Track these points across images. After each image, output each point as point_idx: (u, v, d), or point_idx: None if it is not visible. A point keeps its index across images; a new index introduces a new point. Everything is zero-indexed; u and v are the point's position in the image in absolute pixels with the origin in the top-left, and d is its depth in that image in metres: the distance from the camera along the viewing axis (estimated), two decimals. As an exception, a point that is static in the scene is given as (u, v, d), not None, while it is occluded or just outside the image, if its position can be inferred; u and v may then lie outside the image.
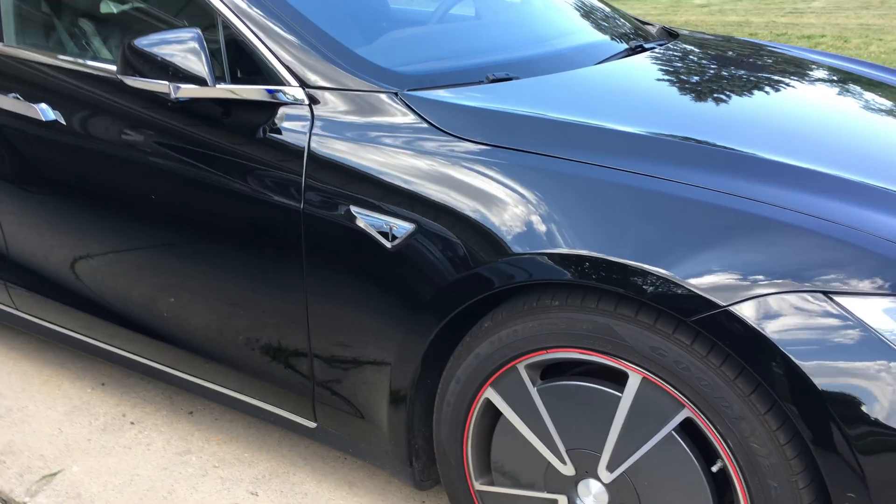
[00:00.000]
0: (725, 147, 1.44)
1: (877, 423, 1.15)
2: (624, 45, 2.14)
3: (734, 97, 1.85)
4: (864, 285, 1.17)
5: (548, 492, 1.47)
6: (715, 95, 1.84)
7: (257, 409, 1.88)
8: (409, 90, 1.60)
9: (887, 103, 1.97)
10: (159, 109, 1.77)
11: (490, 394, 1.48)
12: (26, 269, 2.21)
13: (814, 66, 2.27)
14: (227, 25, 1.71)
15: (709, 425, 1.27)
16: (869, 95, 2.05)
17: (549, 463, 1.45)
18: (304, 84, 1.64)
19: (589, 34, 2.31)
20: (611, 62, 1.99)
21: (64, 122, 1.94)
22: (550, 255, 1.33)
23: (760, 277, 1.20)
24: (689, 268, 1.23)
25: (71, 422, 2.22)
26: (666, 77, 1.99)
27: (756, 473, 1.24)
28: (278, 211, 1.61)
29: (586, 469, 1.41)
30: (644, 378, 1.31)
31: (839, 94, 2.07)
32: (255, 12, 1.69)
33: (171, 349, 1.98)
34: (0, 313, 2.39)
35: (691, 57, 2.19)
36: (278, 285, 1.67)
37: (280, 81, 1.65)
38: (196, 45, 1.61)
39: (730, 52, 2.36)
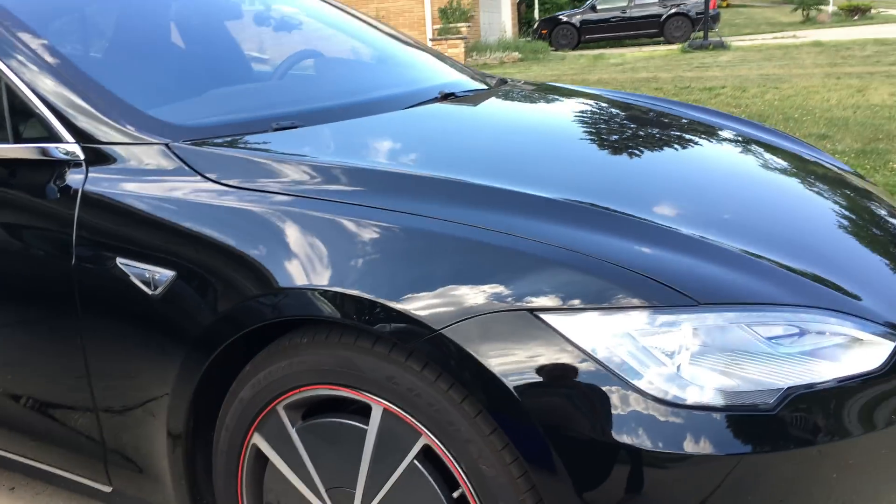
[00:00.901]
0: (464, 181, 1.48)
1: (574, 432, 1.17)
2: (436, 93, 2.21)
3: (507, 136, 1.93)
4: (567, 302, 1.21)
5: (315, 534, 1.44)
6: (487, 135, 1.91)
7: (56, 476, 1.82)
8: (185, 141, 1.63)
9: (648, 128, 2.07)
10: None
11: (256, 439, 1.47)
12: None
13: (585, 103, 2.39)
14: (7, 87, 1.73)
15: (444, 451, 1.27)
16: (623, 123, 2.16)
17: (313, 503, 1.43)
18: (81, 139, 1.65)
19: (414, 83, 2.38)
20: (416, 108, 2.06)
21: None
22: (293, 291, 1.35)
23: (472, 300, 1.23)
24: (409, 295, 1.25)
25: None
26: (448, 118, 2.06)
27: (488, 495, 1.24)
28: (53, 268, 1.60)
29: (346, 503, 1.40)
30: (385, 409, 1.31)
31: (586, 120, 2.18)
32: (32, 72, 1.71)
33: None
34: None
35: (488, 103, 2.28)
36: (58, 343, 1.64)
37: (58, 138, 1.66)
38: (-34, 107, 1.61)
39: (527, 99, 2.47)
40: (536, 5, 24.66)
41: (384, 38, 2.77)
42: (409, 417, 1.29)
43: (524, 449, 1.21)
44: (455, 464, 1.27)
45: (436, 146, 1.79)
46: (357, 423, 1.35)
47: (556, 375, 1.18)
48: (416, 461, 1.31)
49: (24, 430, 1.83)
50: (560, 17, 20.50)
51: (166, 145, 1.61)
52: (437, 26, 16.03)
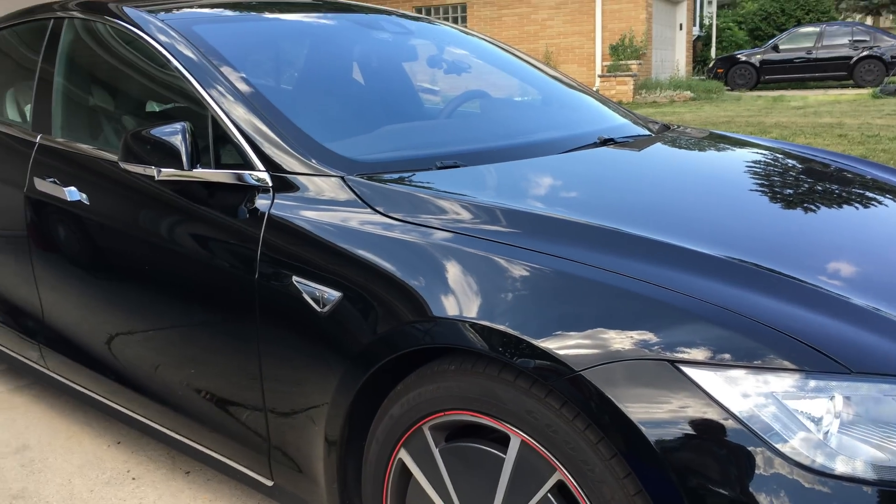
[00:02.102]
0: (619, 230, 1.52)
1: (710, 487, 1.17)
2: (595, 138, 2.27)
3: (667, 185, 1.93)
4: (703, 354, 1.22)
5: (449, 551, 1.52)
6: (646, 183, 1.93)
7: (225, 465, 2.02)
8: (358, 175, 1.79)
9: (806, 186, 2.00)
10: (161, 190, 2.02)
11: (403, 454, 1.58)
12: (58, 334, 2.48)
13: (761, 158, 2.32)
14: (215, 118, 1.97)
15: (577, 489, 1.32)
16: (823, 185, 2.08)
17: (450, 523, 1.51)
18: (270, 168, 1.85)
19: (574, 127, 2.45)
20: (574, 152, 2.12)
21: (87, 202, 2.23)
22: (445, 321, 1.44)
23: (614, 346, 1.27)
24: (553, 335, 1.32)
25: (81, 474, 2.42)
26: (606, 164, 2.09)
27: (619, 538, 1.27)
28: (238, 280, 1.80)
29: (479, 529, 1.47)
30: (522, 441, 1.38)
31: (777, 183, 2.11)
32: (234, 106, 1.94)
33: (164, 410, 2.16)
34: (34, 372, 2.66)
35: (648, 150, 2.30)
36: (238, 346, 1.84)
37: (252, 166, 1.88)
38: (179, 136, 1.85)
39: (693, 146, 2.45)
40: (714, 44, 23.97)
41: (548, 80, 2.86)
42: (546, 452, 1.35)
43: (658, 498, 1.23)
44: (587, 502, 1.31)
45: (591, 192, 1.85)
46: (496, 451, 1.43)
47: (695, 430, 1.20)
48: (549, 494, 1.36)
49: (201, 419, 2.04)
50: (738, 56, 19.79)
51: (342, 178, 1.77)
52: (607, 63, 15.97)
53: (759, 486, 1.17)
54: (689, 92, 15.47)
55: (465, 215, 1.60)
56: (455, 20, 17.90)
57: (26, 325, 2.60)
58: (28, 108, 2.79)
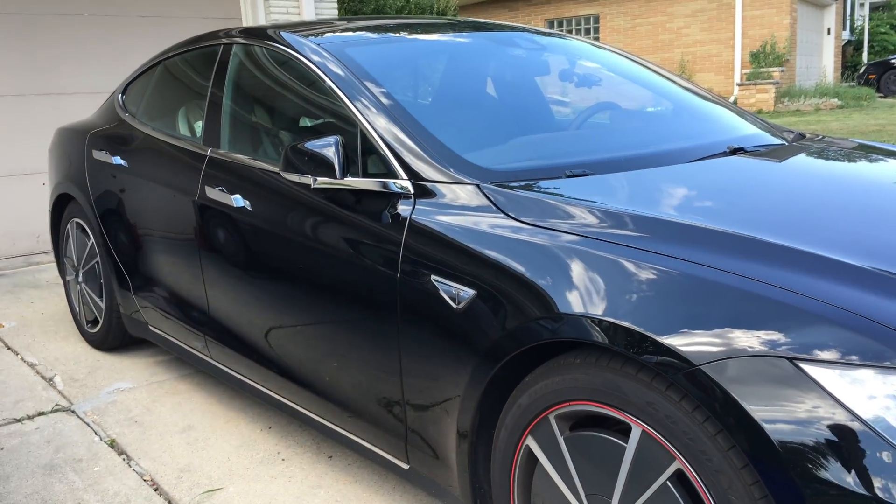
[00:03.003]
0: (741, 234, 1.58)
1: (830, 484, 1.22)
2: (724, 147, 2.30)
3: (796, 192, 1.95)
4: (827, 354, 1.27)
5: (571, 534, 1.63)
6: (775, 191, 1.95)
7: (365, 448, 2.21)
8: (491, 182, 1.93)
9: None
10: (313, 197, 2.24)
11: (529, 441, 1.70)
12: (221, 326, 2.76)
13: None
14: (363, 131, 2.17)
15: (696, 477, 1.39)
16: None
17: (572, 505, 1.61)
18: (411, 176, 2.02)
19: (703, 137, 2.49)
20: (703, 161, 2.18)
21: (250, 208, 2.49)
22: (571, 317, 1.55)
23: (734, 343, 1.34)
24: (674, 332, 1.40)
25: (238, 454, 2.69)
26: (734, 173, 2.12)
27: (735, 526, 1.33)
28: (381, 279, 1.98)
29: (601, 512, 1.56)
30: (643, 431, 1.46)
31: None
32: (380, 120, 2.14)
33: (312, 396, 2.38)
34: (200, 361, 2.97)
35: (779, 159, 2.30)
36: (382, 341, 2.01)
37: (395, 174, 2.06)
38: (332, 148, 2.06)
39: (828, 155, 2.42)
40: (865, 48, 22.60)
41: (678, 91, 2.90)
42: (666, 442, 1.43)
43: (775, 490, 1.28)
44: (705, 491, 1.38)
45: (718, 199, 1.89)
46: (618, 441, 1.52)
47: (814, 428, 1.25)
48: (668, 482, 1.44)
49: (345, 406, 2.24)
50: (892, 60, 18.59)
51: (478, 185, 1.92)
52: (747, 71, 15.43)
53: (882, 486, 1.21)
54: (836, 99, 14.68)
55: (592, 220, 1.70)
56: (587, 31, 17.82)
57: (194, 318, 2.91)
58: (197, 125, 3.13)
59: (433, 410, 1.92)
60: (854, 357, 1.27)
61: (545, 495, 1.69)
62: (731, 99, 15.56)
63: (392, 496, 2.38)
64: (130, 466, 2.63)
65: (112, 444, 2.79)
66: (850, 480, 1.22)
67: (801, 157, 2.37)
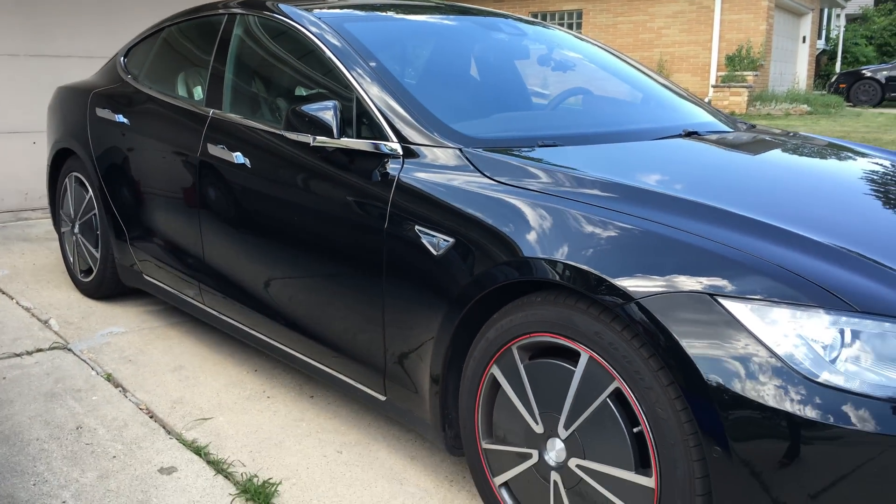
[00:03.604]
0: (685, 197, 1.86)
1: (738, 395, 1.50)
2: (681, 130, 2.58)
3: (734, 167, 2.24)
4: (740, 290, 1.55)
5: (527, 447, 1.90)
6: (718, 166, 2.24)
7: (346, 384, 2.46)
8: (472, 147, 2.19)
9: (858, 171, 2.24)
10: (309, 157, 2.48)
11: (494, 370, 1.96)
12: (215, 273, 2.99)
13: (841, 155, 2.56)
14: (358, 98, 2.41)
15: (630, 394, 1.66)
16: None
17: (528, 424, 1.88)
18: (401, 140, 2.27)
19: (663, 121, 2.77)
20: (660, 141, 2.45)
21: (249, 165, 2.72)
22: (540, 260, 1.82)
23: (669, 284, 1.61)
24: (621, 274, 1.67)
25: (227, 391, 2.93)
26: (685, 150, 2.41)
27: (660, 434, 1.61)
28: (371, 231, 2.23)
29: (551, 428, 1.83)
30: (590, 356, 1.74)
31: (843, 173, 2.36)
32: (374, 89, 2.38)
33: (300, 338, 2.62)
34: (193, 307, 3.20)
35: (725, 141, 2.59)
36: (368, 287, 2.27)
37: (386, 138, 2.30)
38: (331, 112, 2.30)
39: (767, 140, 2.72)
40: (839, 58, 23.17)
41: (647, 82, 3.18)
42: (608, 365, 1.70)
43: (693, 402, 1.56)
44: (638, 405, 1.65)
45: (669, 170, 2.17)
46: (568, 366, 1.79)
47: (726, 350, 1.53)
48: (608, 399, 1.71)
49: (329, 345, 2.49)
50: (863, 71, 19.12)
51: (459, 149, 2.18)
52: (722, 73, 15.83)
53: (775, 395, 1.48)
54: (805, 105, 15.14)
55: (555, 180, 1.97)
56: (570, 26, 18.11)
57: (189, 267, 3.14)
58: (196, 90, 3.34)
59: (412, 350, 2.17)
60: (757, 294, 1.54)
61: (505, 416, 1.96)
62: (706, 100, 15.96)
63: (368, 430, 2.64)
64: (126, 397, 2.86)
65: (108, 378, 3.02)
66: (750, 390, 1.50)
67: (745, 140, 2.66)
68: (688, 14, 16.42)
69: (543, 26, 3.41)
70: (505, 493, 1.99)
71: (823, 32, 24.36)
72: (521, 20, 3.31)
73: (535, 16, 18.42)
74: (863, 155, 2.66)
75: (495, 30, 3.12)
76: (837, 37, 23.74)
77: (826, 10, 23.74)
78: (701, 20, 16.32)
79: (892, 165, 2.54)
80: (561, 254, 1.78)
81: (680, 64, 16.66)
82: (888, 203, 2.15)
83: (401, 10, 3.25)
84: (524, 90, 2.93)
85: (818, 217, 1.87)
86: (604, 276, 1.69)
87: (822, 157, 2.58)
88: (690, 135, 2.57)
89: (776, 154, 2.55)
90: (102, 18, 5.99)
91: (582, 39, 3.44)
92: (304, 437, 2.59)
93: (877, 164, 2.55)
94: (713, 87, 15.64)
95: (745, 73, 15.30)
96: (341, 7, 3.11)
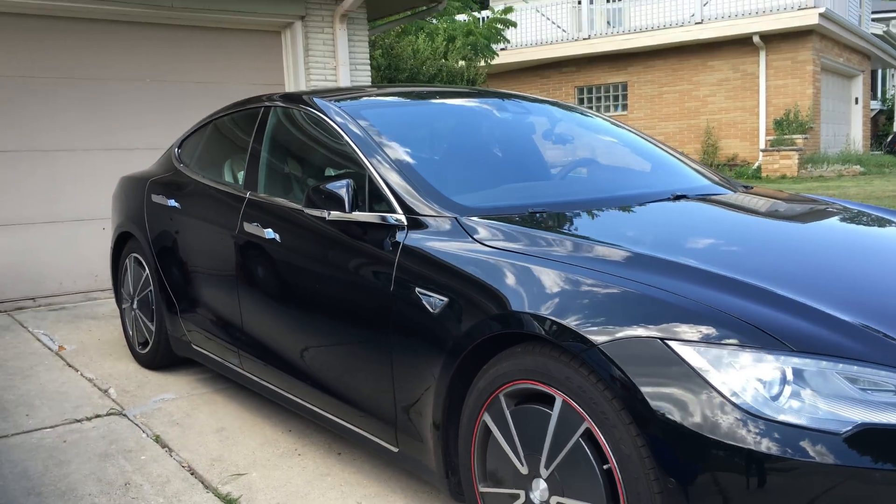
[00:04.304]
0: (650, 255, 2.05)
1: (685, 429, 1.66)
2: (669, 195, 2.78)
3: (710, 226, 2.42)
4: (688, 335, 1.72)
5: (515, 488, 2.06)
6: (693, 226, 2.42)
7: (366, 438, 2.67)
8: (467, 216, 2.43)
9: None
10: (329, 230, 2.76)
11: (485, 417, 2.15)
12: (252, 341, 3.27)
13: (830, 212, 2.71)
14: (370, 177, 2.70)
15: (598, 433, 1.83)
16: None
17: (515, 466, 2.05)
18: (406, 212, 2.53)
19: (658, 186, 2.98)
20: (648, 205, 2.65)
21: (279, 240, 3.02)
22: (517, 313, 2.02)
23: (626, 330, 1.79)
24: (584, 324, 1.86)
25: (262, 449, 3.16)
26: (667, 213, 2.59)
27: (625, 469, 1.77)
28: (379, 292, 2.47)
29: (535, 469, 2.00)
30: (563, 400, 1.91)
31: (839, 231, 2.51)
32: (382, 167, 2.66)
33: (325, 397, 2.85)
34: (235, 373, 3.48)
35: (709, 203, 2.77)
36: (378, 344, 2.49)
37: (393, 210, 2.57)
38: (344, 189, 2.59)
39: (754, 204, 2.89)
40: (896, 117, 22.90)
41: (646, 150, 3.40)
42: (578, 407, 1.87)
43: (648, 437, 1.72)
44: (605, 443, 1.82)
45: (642, 230, 2.37)
46: (546, 409, 1.97)
47: (675, 389, 1.69)
48: (580, 439, 1.88)
49: (349, 402, 2.70)
50: (920, 129, 18.85)
51: (455, 218, 2.42)
52: (771, 137, 15.86)
53: (716, 427, 1.63)
54: (858, 166, 15.00)
55: (536, 243, 2.19)
56: (616, 98, 18.48)
57: (230, 336, 3.42)
58: (240, 174, 3.70)
59: (416, 401, 2.38)
60: (704, 337, 1.71)
61: (496, 459, 2.13)
62: (756, 165, 15.97)
63: (388, 483, 2.83)
64: (171, 456, 3.12)
65: (157, 440, 3.29)
66: (694, 421, 1.65)
67: (730, 201, 2.83)
68: (732, 81, 16.62)
69: (546, 102, 3.68)
70: (500, 533, 2.15)
71: (879, 93, 24.17)
72: (525, 98, 3.59)
73: (580, 90, 18.87)
74: (853, 212, 2.80)
75: (500, 109, 3.41)
76: (894, 97, 23.50)
77: (880, 71, 23.61)
78: (746, 87, 16.48)
79: (874, 220, 2.68)
80: (534, 307, 1.99)
81: (728, 130, 16.77)
82: (849, 254, 2.29)
83: (418, 96, 3.58)
84: (525, 164, 3.18)
85: (775, 269, 2.04)
86: (571, 327, 1.88)
87: (804, 214, 2.73)
88: (679, 198, 2.77)
89: (753, 213, 2.71)
90: (163, 113, 6.56)
91: (584, 114, 3.70)
92: (328, 490, 2.79)
93: (863, 220, 2.69)
94: (762, 151, 15.67)
95: (794, 136, 15.31)
96: (368, 96, 3.45)
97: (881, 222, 2.71)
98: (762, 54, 16.06)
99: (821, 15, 15.19)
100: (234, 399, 3.77)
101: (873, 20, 22.51)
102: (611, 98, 18.55)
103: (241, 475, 2.93)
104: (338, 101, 3.21)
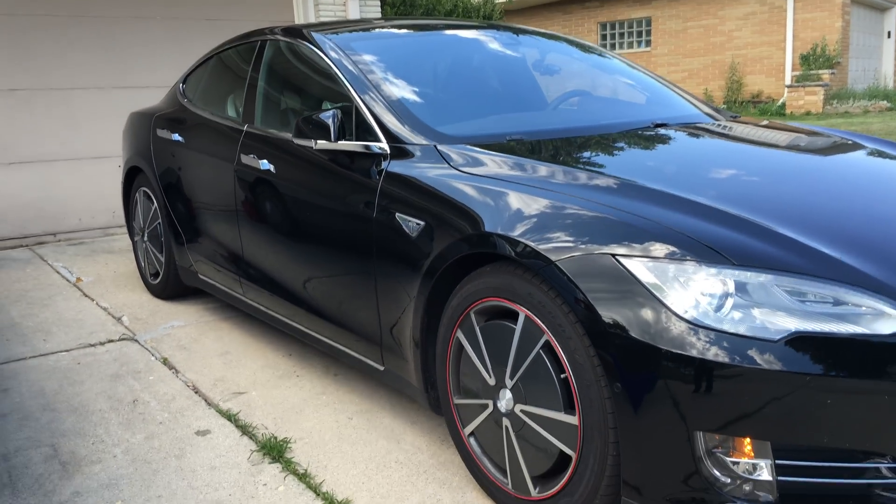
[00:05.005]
0: (614, 177, 2.12)
1: (630, 336, 1.76)
2: (650, 122, 2.83)
3: (682, 152, 2.47)
4: (636, 251, 1.81)
5: (484, 398, 2.19)
6: (663, 153, 2.48)
7: (351, 356, 2.81)
8: (444, 144, 2.50)
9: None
10: (320, 160, 2.85)
11: (458, 334, 2.26)
12: (253, 269, 3.41)
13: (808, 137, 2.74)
14: (357, 107, 2.77)
15: (556, 345, 1.94)
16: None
17: (484, 378, 2.18)
18: (389, 140, 2.61)
19: (642, 115, 3.02)
20: (627, 133, 2.71)
21: (274, 171, 3.12)
22: (486, 234, 2.12)
23: (581, 248, 1.88)
24: (546, 243, 1.95)
25: (262, 371, 3.33)
26: (638, 141, 2.65)
27: (580, 377, 1.88)
28: (363, 218, 2.58)
29: (501, 379, 2.12)
30: (526, 315, 2.02)
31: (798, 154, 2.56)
32: (367, 97, 2.73)
33: (319, 320, 2.98)
34: (238, 301, 3.63)
35: (688, 132, 2.81)
36: (364, 268, 2.61)
37: (377, 139, 2.65)
38: (331, 119, 2.67)
39: (735, 132, 2.93)
40: (931, 51, 22.16)
41: (638, 81, 3.42)
42: (539, 321, 1.98)
43: (598, 345, 1.82)
44: (561, 353, 1.92)
45: (614, 158, 2.43)
46: (511, 325, 2.08)
47: (622, 300, 1.79)
48: (540, 351, 1.99)
49: (342, 325, 2.84)
50: (955, 63, 18.31)
51: (434, 146, 2.50)
52: (797, 73, 15.53)
53: (660, 336, 1.72)
54: (885, 102, 14.67)
55: (507, 168, 2.27)
56: (640, 34, 18.12)
57: (232, 264, 3.56)
58: (240, 108, 3.78)
59: (398, 321, 2.50)
60: (658, 255, 1.80)
61: (468, 372, 2.25)
62: (781, 101, 15.68)
63: (379, 400, 2.98)
64: (177, 377, 3.30)
65: (164, 362, 3.47)
66: (642, 332, 1.75)
67: (707, 128, 2.87)
68: (759, 15, 16.20)
69: (537, 34, 3.70)
70: (473, 441, 2.29)
71: (915, 25, 23.36)
72: (513, 29, 3.61)
73: (603, 26, 18.52)
74: (837, 140, 2.83)
75: (494, 42, 3.44)
76: (929, 29, 22.72)
77: (916, 3, 22.77)
78: (773, 20, 16.06)
79: (857, 148, 2.70)
80: (502, 228, 2.08)
81: (753, 66, 16.43)
82: (815, 179, 2.34)
83: (414, 29, 3.61)
84: (513, 95, 3.23)
85: (733, 191, 2.10)
86: (533, 245, 1.97)
87: (779, 141, 2.77)
88: (659, 126, 2.81)
89: (727, 139, 2.75)
90: (175, 52, 6.63)
91: (577, 44, 3.71)
92: (321, 407, 2.95)
93: (843, 148, 2.72)
94: (787, 87, 15.37)
95: (820, 71, 14.97)
96: (365, 29, 3.49)
97: (864, 151, 2.74)
98: (790, -14, 15.63)
99: (852, -56, 14.68)
100: (239, 326, 3.94)
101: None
102: (634, 34, 18.20)
103: (241, 394, 3.10)
104: (334, 34, 3.27)
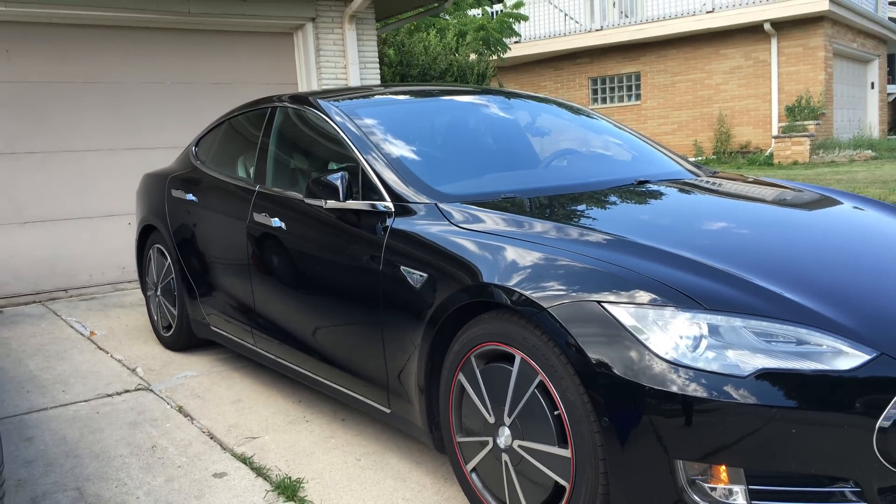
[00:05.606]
0: (600, 232, 2.35)
1: (614, 375, 1.96)
2: (633, 180, 3.07)
3: (661, 208, 2.70)
4: (620, 298, 2.02)
5: (485, 436, 2.38)
6: (645, 210, 2.71)
7: (359, 401, 2.99)
8: (445, 202, 2.74)
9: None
10: (328, 218, 3.08)
11: (460, 377, 2.46)
12: (264, 320, 3.61)
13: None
14: (363, 169, 3.01)
15: (549, 384, 2.14)
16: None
17: (484, 416, 2.37)
18: (394, 199, 2.85)
19: (625, 172, 3.26)
20: (609, 189, 2.95)
21: (285, 228, 3.35)
22: (484, 284, 2.33)
23: (570, 296, 2.10)
24: (538, 292, 2.16)
25: (274, 417, 3.50)
26: (621, 197, 2.89)
27: (572, 414, 2.07)
28: (370, 271, 2.79)
29: (500, 417, 2.31)
30: (521, 358, 2.22)
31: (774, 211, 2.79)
32: (371, 159, 2.98)
33: (329, 368, 3.17)
34: (250, 351, 3.82)
35: (670, 187, 3.06)
36: (371, 318, 2.82)
37: (382, 198, 2.89)
38: (339, 180, 2.90)
39: (713, 188, 3.17)
40: (915, 100, 22.76)
41: (620, 140, 3.68)
42: (533, 363, 2.18)
43: (587, 384, 2.02)
44: (554, 392, 2.12)
45: (598, 214, 2.66)
46: (508, 367, 2.28)
47: (608, 343, 1.99)
48: (535, 390, 2.18)
49: (350, 371, 3.03)
50: (937, 112, 18.81)
51: (435, 204, 2.73)
52: (783, 124, 15.97)
53: (639, 373, 1.92)
54: (870, 151, 15.07)
55: (503, 224, 2.50)
56: (629, 88, 18.64)
57: (244, 317, 3.77)
58: (251, 169, 4.03)
59: (404, 366, 2.69)
60: (633, 300, 2.01)
61: (469, 412, 2.44)
62: (768, 151, 16.08)
63: (386, 442, 3.16)
64: (193, 424, 3.47)
65: (180, 410, 3.65)
66: (626, 373, 1.95)
67: (687, 184, 3.12)
68: (745, 69, 16.72)
69: (531, 98, 3.98)
70: (475, 477, 2.47)
71: (898, 76, 24.03)
72: (508, 94, 3.89)
73: (594, 81, 19.05)
74: (804, 195, 3.07)
75: (487, 105, 3.71)
76: (912, 80, 23.38)
77: (897, 54, 23.47)
78: (758, 74, 16.58)
79: (820, 201, 2.95)
80: (498, 279, 2.29)
81: (741, 117, 16.89)
82: (781, 230, 2.57)
83: (414, 95, 3.89)
84: (505, 155, 3.48)
85: (707, 243, 2.33)
86: (527, 294, 2.19)
87: (752, 195, 3.01)
88: (642, 183, 3.05)
89: (705, 192, 3.00)
90: (183, 114, 6.93)
91: (566, 106, 3.99)
92: (331, 450, 3.12)
93: (806, 200, 2.96)
94: (775, 137, 15.78)
95: (805, 122, 15.40)
96: (368, 96, 3.76)
97: (833, 205, 2.97)
98: (774, 41, 16.16)
99: (831, 1, 15.25)
100: (250, 375, 4.12)
101: (891, 3, 22.41)
102: (624, 88, 18.72)
103: (254, 438, 3.28)
104: (338, 101, 3.53)
